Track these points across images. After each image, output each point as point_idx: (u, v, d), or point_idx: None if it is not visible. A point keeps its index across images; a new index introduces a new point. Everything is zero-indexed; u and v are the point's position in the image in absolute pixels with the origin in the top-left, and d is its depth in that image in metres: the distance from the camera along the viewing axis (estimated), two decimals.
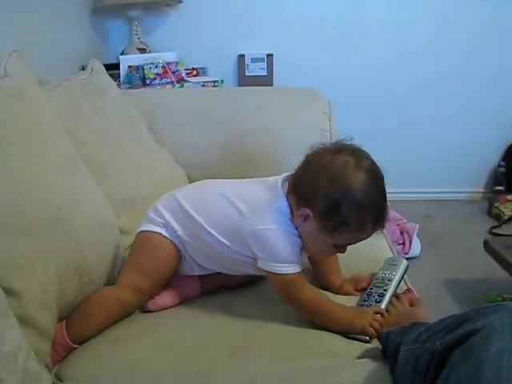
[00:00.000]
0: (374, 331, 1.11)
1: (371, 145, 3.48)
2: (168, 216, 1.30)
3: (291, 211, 1.18)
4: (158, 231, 1.29)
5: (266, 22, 3.26)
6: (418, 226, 2.86)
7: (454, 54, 3.29)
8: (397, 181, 3.41)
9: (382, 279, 1.28)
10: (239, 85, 3.22)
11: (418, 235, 2.83)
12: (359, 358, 1.07)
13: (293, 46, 3.27)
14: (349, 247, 1.20)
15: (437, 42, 3.29)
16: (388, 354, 1.00)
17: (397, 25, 3.24)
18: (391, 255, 1.54)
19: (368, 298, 1.23)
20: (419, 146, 3.44)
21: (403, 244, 2.79)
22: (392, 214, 2.98)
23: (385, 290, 1.23)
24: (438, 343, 0.78)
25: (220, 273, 1.33)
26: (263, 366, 1.06)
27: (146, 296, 1.27)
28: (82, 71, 1.98)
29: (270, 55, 3.19)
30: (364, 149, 1.21)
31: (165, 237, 1.29)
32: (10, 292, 0.97)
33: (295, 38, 3.27)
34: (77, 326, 1.19)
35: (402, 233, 2.84)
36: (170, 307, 1.29)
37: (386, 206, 1.15)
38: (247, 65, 3.20)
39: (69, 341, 1.17)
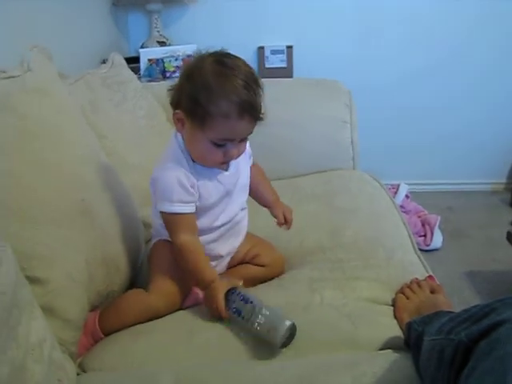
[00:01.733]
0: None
1: (392, 136, 3.47)
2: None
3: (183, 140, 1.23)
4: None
5: (285, 13, 3.23)
6: (439, 217, 2.84)
7: (483, 45, 3.23)
8: (418, 172, 3.41)
9: (254, 316, 1.10)
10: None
11: (439, 227, 2.80)
12: (381, 348, 1.07)
13: (312, 38, 3.24)
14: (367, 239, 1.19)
15: (464, 31, 3.20)
16: (410, 344, 1.00)
17: (418, 12, 3.19)
18: (410, 245, 1.52)
19: (241, 300, 1.14)
20: (441, 137, 3.40)
21: (425, 236, 2.77)
22: (413, 205, 2.96)
23: (243, 318, 1.11)
24: (463, 334, 0.77)
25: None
26: (284, 357, 1.06)
27: (177, 299, 1.28)
28: (103, 65, 1.99)
29: (289, 47, 3.17)
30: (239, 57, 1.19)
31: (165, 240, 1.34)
32: (35, 281, 0.99)
33: (315, 30, 3.24)
34: (108, 320, 1.22)
35: (423, 224, 2.82)
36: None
37: (249, 95, 1.12)
38: (267, 57, 3.18)
39: (99, 330, 1.20)
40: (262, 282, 1.37)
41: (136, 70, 2.51)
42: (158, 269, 1.31)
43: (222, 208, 1.29)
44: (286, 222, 1.40)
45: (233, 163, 1.28)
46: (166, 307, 1.24)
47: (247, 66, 1.17)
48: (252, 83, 1.13)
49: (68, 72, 1.69)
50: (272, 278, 1.39)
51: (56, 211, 1.09)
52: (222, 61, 1.14)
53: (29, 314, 0.88)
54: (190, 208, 1.22)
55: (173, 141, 1.26)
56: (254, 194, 1.42)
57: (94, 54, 2.59)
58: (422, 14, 3.19)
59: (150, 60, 2.73)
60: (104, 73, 1.84)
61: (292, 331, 1.07)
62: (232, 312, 1.13)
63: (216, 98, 1.11)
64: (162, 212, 1.24)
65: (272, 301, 1.22)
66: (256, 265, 1.40)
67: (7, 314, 0.80)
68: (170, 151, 1.25)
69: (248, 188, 1.37)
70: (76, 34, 2.40)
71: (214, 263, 1.35)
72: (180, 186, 1.20)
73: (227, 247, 1.36)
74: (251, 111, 1.13)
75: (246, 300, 1.13)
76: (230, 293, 1.16)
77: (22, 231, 1.00)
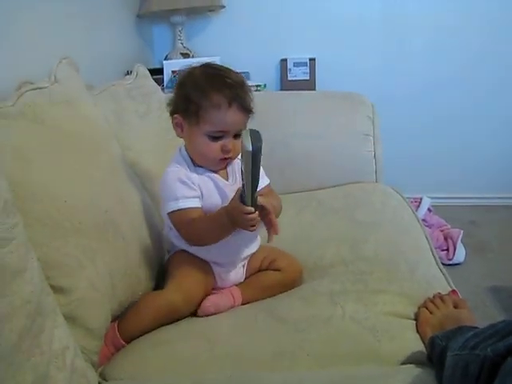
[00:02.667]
0: (252, 228, 1.20)
1: (414, 148, 3.43)
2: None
3: (186, 149, 1.34)
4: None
5: (308, 26, 3.24)
6: (462, 231, 2.81)
7: (506, 55, 3.20)
8: (441, 186, 3.39)
9: (243, 171, 1.13)
10: (282, 89, 3.21)
11: (462, 241, 2.77)
12: (404, 363, 1.06)
13: (335, 50, 3.24)
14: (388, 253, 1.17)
15: (488, 39, 3.17)
16: (433, 359, 0.99)
17: (441, 24, 3.16)
18: (432, 260, 1.50)
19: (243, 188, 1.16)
20: (464, 150, 3.37)
21: (447, 250, 2.74)
22: (436, 219, 2.94)
23: (243, 186, 1.15)
24: (488, 350, 0.76)
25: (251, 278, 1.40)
26: (306, 370, 1.05)
27: (194, 295, 1.29)
28: (128, 76, 2.01)
29: (312, 59, 3.17)
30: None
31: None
32: (58, 290, 0.99)
33: (338, 42, 3.24)
34: (127, 324, 1.23)
35: (445, 238, 2.79)
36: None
37: (236, 88, 1.24)
38: (290, 69, 3.19)
39: (119, 338, 1.20)
40: (281, 288, 1.37)
41: (159, 82, 2.53)
42: (176, 269, 1.33)
43: None
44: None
45: (231, 175, 1.35)
46: (183, 302, 1.25)
47: (234, 71, 1.30)
48: (239, 82, 1.27)
49: (93, 83, 1.71)
50: (291, 284, 1.39)
51: (82, 222, 1.10)
52: (210, 65, 1.31)
53: (52, 321, 0.89)
54: (194, 202, 1.28)
55: (176, 153, 1.35)
56: None
57: (118, 65, 2.62)
58: (445, 26, 3.18)
59: (173, 71, 2.75)
60: (128, 84, 1.86)
61: (253, 133, 1.06)
62: (244, 197, 1.16)
63: (207, 93, 1.23)
64: (170, 214, 1.29)
65: (293, 313, 1.22)
66: (273, 270, 1.40)
67: (31, 321, 0.82)
68: (173, 160, 1.34)
69: None
70: (101, 45, 2.43)
71: (229, 269, 1.38)
72: (181, 183, 1.27)
73: (239, 255, 1.38)
74: (239, 101, 1.24)
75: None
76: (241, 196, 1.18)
77: (49, 241, 1.01)
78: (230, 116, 1.24)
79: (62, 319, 0.93)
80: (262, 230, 1.29)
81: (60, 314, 0.93)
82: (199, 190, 1.29)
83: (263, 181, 1.40)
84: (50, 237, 1.02)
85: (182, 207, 1.26)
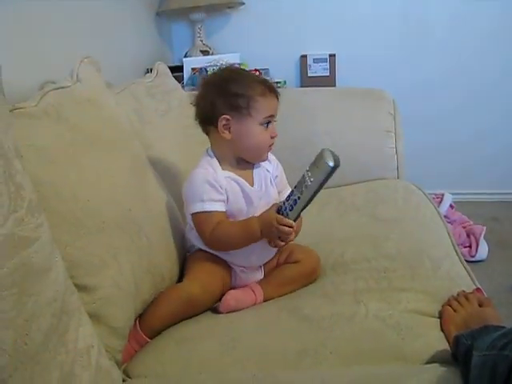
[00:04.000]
0: (281, 243, 1.25)
1: (436, 145, 3.38)
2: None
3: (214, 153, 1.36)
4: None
5: (327, 22, 3.23)
6: (485, 228, 2.78)
7: None
8: (462, 182, 3.35)
9: (303, 182, 1.17)
10: (301, 85, 3.20)
11: (485, 237, 2.74)
12: (428, 362, 1.05)
13: (355, 46, 3.23)
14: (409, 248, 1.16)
15: (503, 35, 3.16)
16: (459, 359, 0.98)
17: (461, 18, 3.15)
18: (456, 257, 1.49)
19: (288, 199, 1.20)
20: (485, 145, 3.34)
21: (470, 247, 2.71)
22: (458, 215, 2.91)
23: (298, 198, 1.17)
24: None
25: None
26: (329, 369, 1.05)
27: (213, 288, 1.30)
28: (148, 74, 2.01)
29: (332, 55, 3.16)
30: None
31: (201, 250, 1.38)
32: (82, 289, 1.00)
33: (357, 38, 3.22)
34: (148, 319, 1.23)
35: (468, 235, 2.77)
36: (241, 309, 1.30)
37: (264, 79, 1.38)
38: (309, 65, 3.18)
39: (141, 333, 1.21)
40: (302, 280, 1.38)
41: (179, 79, 2.53)
42: (194, 265, 1.35)
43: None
44: None
45: (257, 181, 1.36)
46: (202, 293, 1.26)
47: None
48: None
49: (113, 82, 1.72)
50: (311, 275, 1.39)
51: (105, 221, 1.10)
52: (228, 67, 1.45)
53: (77, 320, 0.89)
54: (220, 206, 1.30)
55: (204, 155, 1.37)
56: None
57: (138, 63, 2.63)
58: (465, 20, 3.16)
59: (193, 69, 2.75)
60: (149, 82, 1.86)
61: (333, 153, 1.11)
62: (290, 210, 1.19)
63: (250, 84, 1.30)
64: (193, 214, 1.31)
65: (317, 312, 1.22)
66: (291, 262, 1.40)
67: (57, 320, 0.82)
68: (201, 161, 1.35)
69: None
70: (121, 44, 2.44)
71: (248, 269, 1.39)
72: (209, 185, 1.29)
73: (260, 261, 1.40)
74: (275, 89, 1.34)
75: (289, 195, 1.21)
76: (279, 211, 1.22)
77: (73, 240, 1.01)
78: (273, 101, 1.32)
79: (86, 318, 0.94)
80: None
81: (84, 313, 0.94)
82: (226, 194, 1.31)
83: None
84: (74, 236, 1.02)
85: (208, 209, 1.28)
